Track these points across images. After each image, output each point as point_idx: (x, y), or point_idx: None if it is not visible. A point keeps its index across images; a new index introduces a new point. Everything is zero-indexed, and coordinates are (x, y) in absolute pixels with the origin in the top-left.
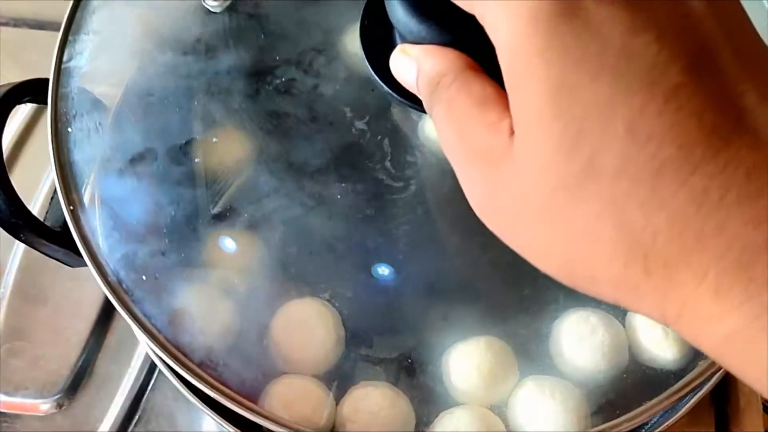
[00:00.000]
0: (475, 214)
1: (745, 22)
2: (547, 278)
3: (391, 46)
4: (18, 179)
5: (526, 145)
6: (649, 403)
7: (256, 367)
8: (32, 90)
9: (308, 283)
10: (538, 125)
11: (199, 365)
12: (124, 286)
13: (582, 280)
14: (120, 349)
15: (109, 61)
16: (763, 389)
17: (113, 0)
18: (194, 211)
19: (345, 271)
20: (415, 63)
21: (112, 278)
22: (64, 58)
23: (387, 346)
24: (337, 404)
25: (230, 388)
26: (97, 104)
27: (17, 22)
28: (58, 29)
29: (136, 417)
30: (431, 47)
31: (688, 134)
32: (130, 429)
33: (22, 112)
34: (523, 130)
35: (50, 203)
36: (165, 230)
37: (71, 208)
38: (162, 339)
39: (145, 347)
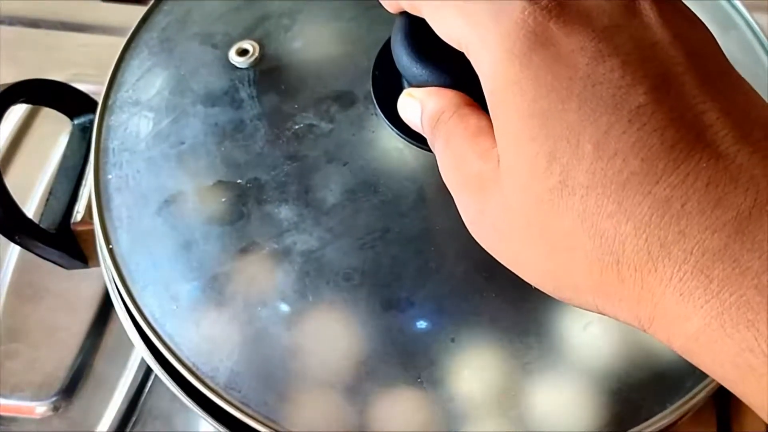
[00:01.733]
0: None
1: (713, 49)
2: None
3: (399, 92)
4: (12, 181)
5: (507, 167)
6: (673, 405)
7: (268, 380)
8: (27, 90)
9: (323, 309)
10: (515, 148)
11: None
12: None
13: (567, 291)
14: (116, 350)
15: (146, 115)
16: (730, 386)
17: (149, 60)
18: (223, 245)
19: (359, 299)
20: (419, 104)
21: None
22: (105, 114)
23: (400, 365)
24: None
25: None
26: (134, 153)
27: (12, 21)
28: (53, 28)
29: (133, 419)
30: (433, 89)
31: (651, 149)
32: (126, 431)
33: (16, 113)
34: (504, 153)
35: (45, 205)
36: (196, 264)
37: (110, 246)
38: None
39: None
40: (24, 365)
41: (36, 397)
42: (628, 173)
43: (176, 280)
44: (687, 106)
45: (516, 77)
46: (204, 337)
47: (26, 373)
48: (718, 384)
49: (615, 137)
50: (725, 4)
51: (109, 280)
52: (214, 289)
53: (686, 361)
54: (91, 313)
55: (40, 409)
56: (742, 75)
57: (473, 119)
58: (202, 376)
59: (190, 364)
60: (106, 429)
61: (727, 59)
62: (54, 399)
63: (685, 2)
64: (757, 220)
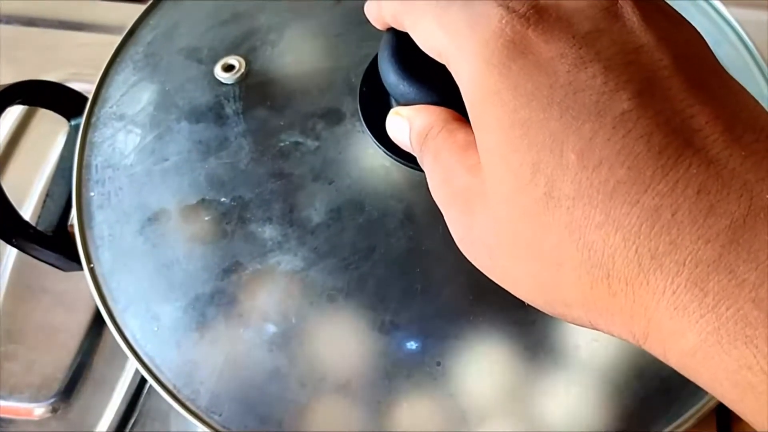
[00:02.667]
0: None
1: (700, 50)
2: None
3: (386, 109)
4: (9, 183)
5: (492, 180)
6: (695, 407)
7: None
8: (24, 92)
9: (306, 331)
10: (498, 161)
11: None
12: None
13: (558, 306)
14: (115, 351)
15: (130, 131)
16: (729, 404)
17: (134, 75)
18: (206, 265)
19: (343, 321)
20: (407, 122)
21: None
22: (89, 130)
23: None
24: None
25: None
26: (117, 170)
27: (9, 20)
28: (50, 27)
29: (132, 420)
30: (420, 106)
31: (637, 156)
32: None
33: (13, 114)
34: (488, 166)
35: (42, 207)
36: (177, 284)
37: (91, 266)
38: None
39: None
40: (22, 367)
41: (34, 399)
42: (614, 182)
43: (158, 300)
44: (674, 110)
45: (495, 87)
46: (185, 359)
47: (24, 375)
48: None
49: (599, 145)
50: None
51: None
52: (196, 309)
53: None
54: (89, 314)
55: (39, 410)
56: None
57: (461, 134)
58: (183, 399)
59: (170, 387)
60: (104, 430)
61: (716, 59)
62: (52, 400)
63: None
64: (752, 229)
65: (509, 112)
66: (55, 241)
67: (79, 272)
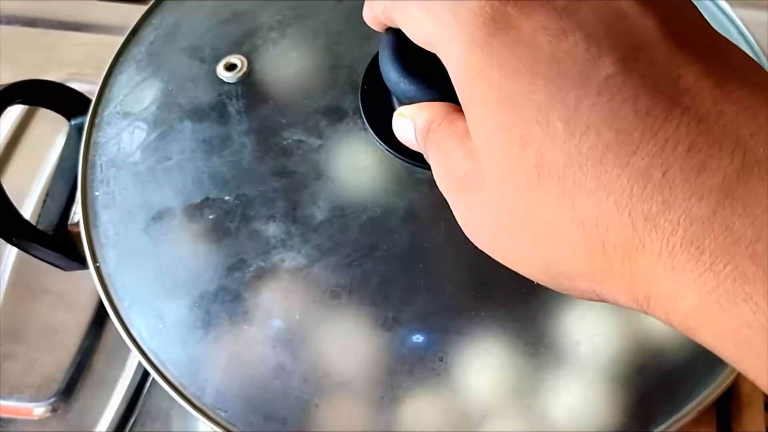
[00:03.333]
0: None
1: (686, 9)
2: None
3: (388, 107)
4: (9, 182)
5: (485, 160)
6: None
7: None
8: (24, 91)
9: (309, 328)
10: (488, 140)
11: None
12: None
13: (563, 281)
14: (115, 351)
15: (133, 131)
16: (734, 363)
17: (137, 74)
18: (210, 263)
19: (346, 318)
20: (410, 121)
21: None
22: (93, 130)
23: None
24: None
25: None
26: (121, 170)
27: (9, 20)
28: (50, 27)
29: (132, 420)
30: (422, 104)
31: (624, 119)
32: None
33: (13, 114)
34: (480, 147)
35: (42, 207)
36: (182, 282)
37: (97, 265)
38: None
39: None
40: (22, 366)
41: (34, 399)
42: (602, 147)
43: (163, 298)
44: (660, 72)
45: (480, 66)
46: (190, 357)
47: (24, 375)
48: (723, 389)
49: (585, 112)
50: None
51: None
52: (201, 307)
53: (692, 366)
54: (89, 313)
55: (39, 410)
56: None
57: (461, 123)
58: (189, 396)
59: (176, 384)
60: (104, 430)
61: (703, 17)
62: (52, 400)
63: None
64: (746, 183)
65: (495, 90)
66: (55, 240)
67: (80, 272)
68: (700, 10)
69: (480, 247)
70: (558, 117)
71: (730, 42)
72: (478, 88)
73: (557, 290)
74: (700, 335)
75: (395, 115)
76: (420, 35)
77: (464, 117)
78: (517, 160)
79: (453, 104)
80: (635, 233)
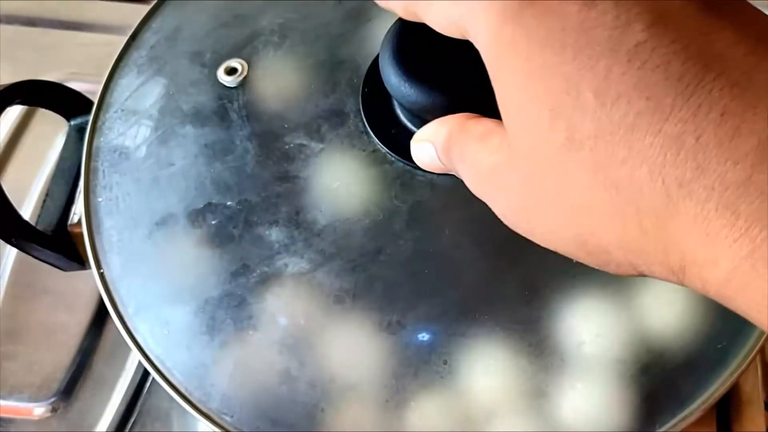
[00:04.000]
0: None
1: None
2: None
3: (389, 110)
4: (9, 183)
5: (515, 137)
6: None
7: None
8: (23, 92)
9: (314, 333)
10: (518, 114)
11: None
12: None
13: (597, 254)
14: (115, 351)
15: (135, 136)
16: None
17: (138, 79)
18: (214, 268)
19: (350, 322)
20: (430, 144)
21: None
22: (95, 135)
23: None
24: None
25: None
26: (124, 176)
27: (9, 19)
28: (50, 26)
29: (132, 420)
30: (433, 123)
31: (656, 86)
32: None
33: (12, 114)
34: (509, 122)
35: (42, 207)
36: (187, 288)
37: (101, 271)
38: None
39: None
40: (22, 366)
41: (34, 399)
42: (634, 115)
43: (167, 304)
44: (691, 37)
45: (509, 38)
46: (195, 362)
47: (24, 375)
48: (728, 388)
49: (615, 80)
50: None
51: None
52: (206, 312)
53: (695, 365)
54: (89, 313)
55: (39, 410)
56: None
57: (479, 127)
58: (194, 401)
59: (182, 389)
60: (104, 430)
61: None
62: (52, 400)
63: None
64: None
65: (524, 62)
66: (54, 240)
67: (80, 272)
68: None
69: (521, 232)
70: (588, 87)
71: (758, 9)
72: (508, 60)
73: (595, 266)
74: (736, 302)
75: (413, 142)
76: (447, 22)
77: (480, 120)
78: (547, 133)
79: (465, 114)
80: (669, 200)
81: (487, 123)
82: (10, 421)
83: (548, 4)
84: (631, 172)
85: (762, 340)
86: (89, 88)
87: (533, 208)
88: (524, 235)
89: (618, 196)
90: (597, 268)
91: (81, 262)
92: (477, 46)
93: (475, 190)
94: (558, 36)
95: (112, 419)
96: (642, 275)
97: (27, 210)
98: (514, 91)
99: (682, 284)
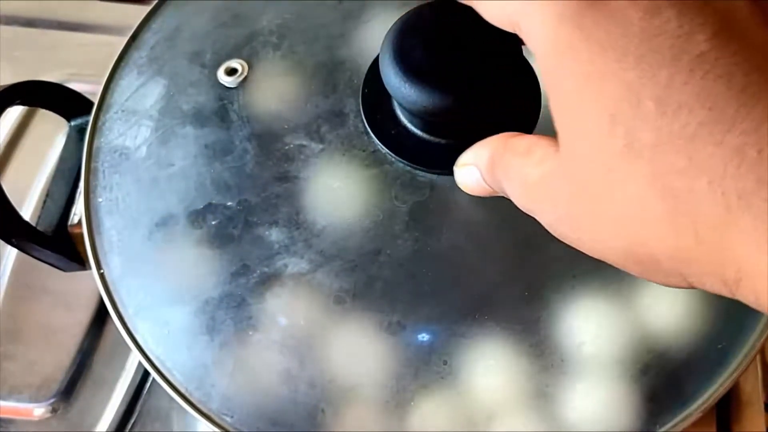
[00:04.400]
0: None
1: None
2: None
3: (389, 111)
4: (9, 183)
5: (568, 143)
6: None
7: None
8: (23, 92)
9: (314, 333)
10: (575, 119)
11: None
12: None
13: (647, 264)
14: (115, 351)
15: (135, 137)
16: None
17: (138, 80)
18: (214, 269)
19: (350, 323)
20: (474, 167)
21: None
22: (95, 136)
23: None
24: None
25: None
26: (124, 176)
27: (8, 20)
28: (50, 27)
29: (132, 420)
30: (476, 146)
31: (718, 96)
32: None
33: (12, 115)
34: (563, 127)
35: (42, 207)
36: (186, 288)
37: (101, 271)
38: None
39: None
40: (22, 367)
41: (34, 399)
42: (695, 125)
43: (167, 304)
44: (754, 48)
45: (569, 40)
46: (196, 362)
47: (24, 375)
48: (728, 387)
49: (677, 89)
50: None
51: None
52: (206, 313)
53: (695, 366)
54: (89, 313)
55: (39, 411)
56: None
57: (521, 142)
58: (195, 401)
59: (182, 389)
60: (104, 430)
61: None
62: (52, 400)
63: None
64: None
65: (584, 65)
66: (55, 241)
67: (80, 272)
68: None
69: (568, 242)
70: (649, 96)
71: None
72: (566, 63)
73: (642, 276)
74: None
75: (456, 168)
76: (500, 14)
77: (521, 138)
78: (605, 139)
79: (506, 133)
80: (728, 212)
81: (528, 138)
82: (10, 421)
83: (610, 8)
84: (690, 183)
85: (762, 340)
86: (89, 88)
87: (582, 216)
88: (571, 244)
89: (675, 206)
90: (643, 278)
91: (81, 263)
92: (529, 44)
93: (522, 204)
94: (619, 42)
95: (112, 419)
96: (691, 287)
97: (27, 210)
98: (571, 95)
99: (733, 296)
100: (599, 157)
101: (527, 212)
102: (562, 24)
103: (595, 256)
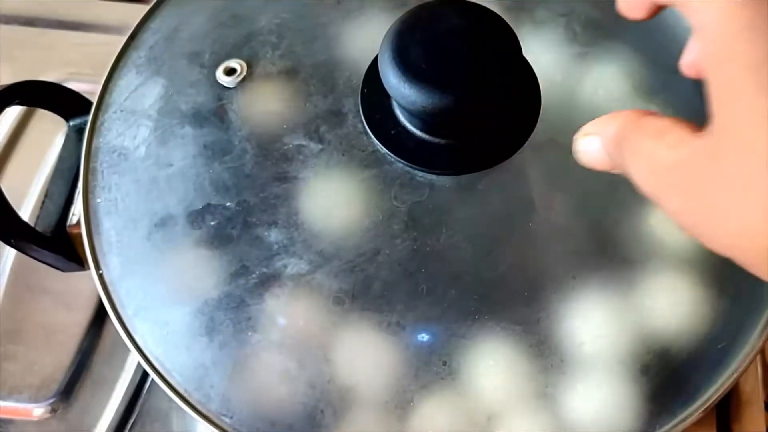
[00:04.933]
0: None
1: None
2: None
3: (388, 110)
4: (8, 183)
5: (727, 126)
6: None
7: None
8: (22, 92)
9: (313, 334)
10: (739, 103)
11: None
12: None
13: None
14: (114, 351)
15: (134, 137)
16: None
17: (137, 79)
18: (213, 269)
19: (349, 324)
20: (597, 136)
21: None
22: (94, 136)
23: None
24: None
25: None
26: (123, 176)
27: (8, 20)
28: (49, 26)
29: (132, 420)
30: (606, 117)
31: None
32: None
33: (10, 116)
34: (724, 110)
35: (41, 208)
36: (186, 289)
37: (100, 272)
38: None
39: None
40: (22, 367)
41: (34, 399)
42: None
43: (167, 305)
44: None
45: (742, 26)
46: (195, 363)
47: (24, 375)
48: (728, 388)
49: None
50: None
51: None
52: (205, 314)
53: (695, 366)
54: (88, 313)
55: (38, 411)
56: None
57: (655, 122)
58: (194, 402)
59: (181, 390)
60: (104, 430)
61: None
62: (52, 401)
63: None
64: None
65: (757, 52)
66: (53, 241)
67: (79, 272)
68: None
69: (695, 234)
70: None
71: None
72: (740, 46)
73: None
74: None
75: (579, 136)
76: None
77: (655, 117)
78: None
79: (636, 110)
80: None
81: (664, 119)
82: (9, 421)
83: None
84: None
85: (762, 340)
86: (88, 88)
87: (723, 209)
88: (699, 237)
89: None
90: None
91: (80, 263)
92: (697, 25)
93: (647, 187)
94: None
95: (112, 419)
96: None
97: (26, 210)
98: (739, 81)
99: None
100: (762, 146)
101: (650, 196)
102: (740, 6)
103: (726, 253)
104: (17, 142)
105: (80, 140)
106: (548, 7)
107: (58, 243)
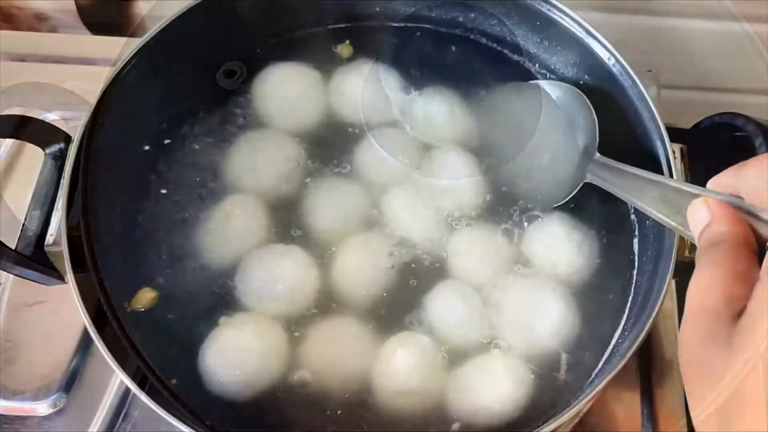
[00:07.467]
0: None
1: None
2: None
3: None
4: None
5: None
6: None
7: None
8: (13, 126)
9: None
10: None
11: None
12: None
13: None
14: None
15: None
16: None
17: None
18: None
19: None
20: (709, 217)
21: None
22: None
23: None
24: None
25: None
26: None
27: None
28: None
29: (126, 417)
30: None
31: None
32: (116, 427)
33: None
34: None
35: (21, 230)
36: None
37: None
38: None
39: None
40: (24, 368)
41: (36, 398)
42: None
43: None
44: None
45: None
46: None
47: (26, 376)
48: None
49: None
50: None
51: None
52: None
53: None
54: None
55: (41, 409)
56: None
57: (741, 263)
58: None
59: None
60: (104, 430)
61: None
62: (53, 399)
63: None
64: None
65: None
66: (33, 260)
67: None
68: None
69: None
70: None
71: None
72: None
73: None
74: None
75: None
76: None
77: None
78: None
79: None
80: None
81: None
82: (15, 418)
83: None
84: None
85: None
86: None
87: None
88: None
89: None
90: None
91: (60, 278)
92: None
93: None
94: None
95: (108, 417)
96: None
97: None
98: None
99: None
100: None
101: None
102: None
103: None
104: (11, 171)
105: (56, 167)
106: None
107: (37, 261)
